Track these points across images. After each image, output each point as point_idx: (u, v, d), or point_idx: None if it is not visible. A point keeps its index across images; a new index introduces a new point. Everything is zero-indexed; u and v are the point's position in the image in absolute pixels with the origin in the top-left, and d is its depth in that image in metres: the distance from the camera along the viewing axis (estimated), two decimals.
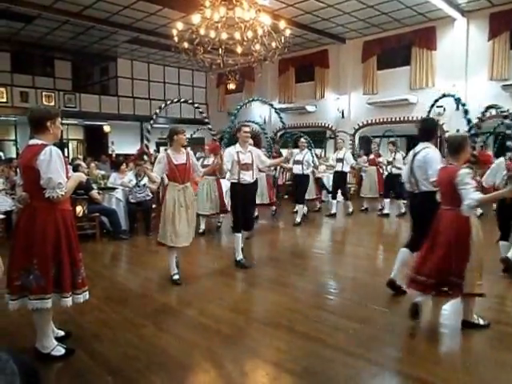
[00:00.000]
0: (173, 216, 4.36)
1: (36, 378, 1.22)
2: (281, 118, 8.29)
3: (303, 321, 3.45)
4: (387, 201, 9.07)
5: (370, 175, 9.72)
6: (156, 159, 4.75)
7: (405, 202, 8.47)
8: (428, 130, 3.96)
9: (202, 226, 7.17)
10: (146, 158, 5.74)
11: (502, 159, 4.83)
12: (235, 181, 5.08)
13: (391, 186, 8.92)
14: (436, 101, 7.19)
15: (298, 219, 8.04)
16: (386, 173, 9.10)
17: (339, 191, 9.16)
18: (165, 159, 4.42)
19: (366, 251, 6.26)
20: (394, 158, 8.68)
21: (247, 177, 5.07)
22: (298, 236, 7.43)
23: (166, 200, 4.42)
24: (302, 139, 8.43)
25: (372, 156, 9.83)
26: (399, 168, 8.41)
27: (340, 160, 8.93)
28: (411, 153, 3.97)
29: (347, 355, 2.85)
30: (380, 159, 9.47)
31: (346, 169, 9.03)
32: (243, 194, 5.07)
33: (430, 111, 7.38)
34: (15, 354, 1.15)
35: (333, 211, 8.97)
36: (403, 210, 8.72)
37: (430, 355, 2.85)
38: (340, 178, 9.03)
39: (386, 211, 9.04)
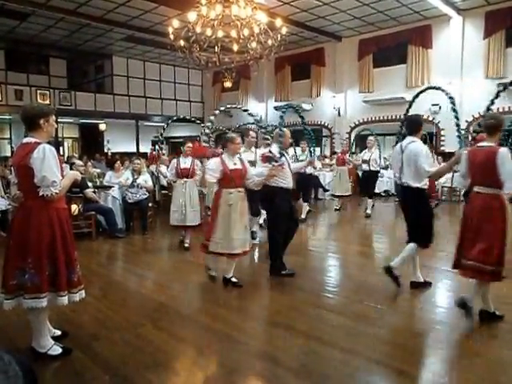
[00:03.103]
0: None
1: (34, 378, 1.20)
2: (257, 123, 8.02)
3: (301, 319, 3.45)
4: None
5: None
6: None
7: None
8: None
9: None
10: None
11: None
12: None
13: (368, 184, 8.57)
14: None
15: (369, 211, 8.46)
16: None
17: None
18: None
19: (363, 249, 6.28)
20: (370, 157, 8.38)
21: None
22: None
23: None
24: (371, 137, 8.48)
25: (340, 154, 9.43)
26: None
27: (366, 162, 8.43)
28: None
29: (344, 353, 2.85)
30: (347, 156, 9.16)
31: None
32: None
33: None
34: (15, 355, 1.13)
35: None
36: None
37: (429, 353, 2.85)
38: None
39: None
